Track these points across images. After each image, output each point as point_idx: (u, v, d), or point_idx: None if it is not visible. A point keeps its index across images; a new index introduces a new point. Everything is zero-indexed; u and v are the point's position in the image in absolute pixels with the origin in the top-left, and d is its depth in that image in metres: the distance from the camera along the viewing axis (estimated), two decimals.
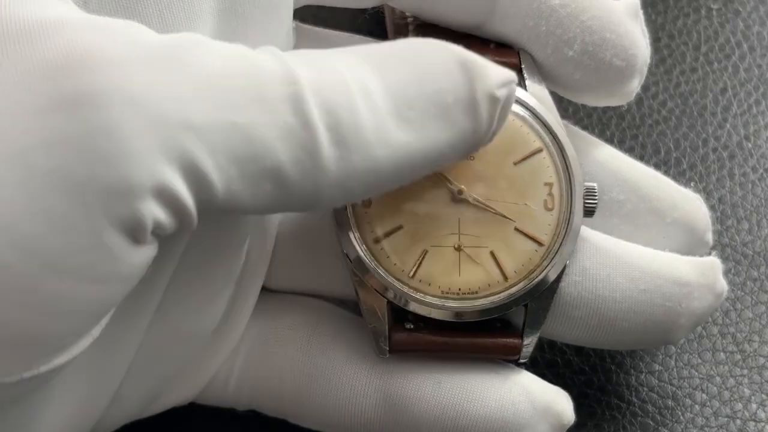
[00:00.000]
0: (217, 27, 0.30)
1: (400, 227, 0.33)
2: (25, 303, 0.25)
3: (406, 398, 0.33)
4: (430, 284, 0.33)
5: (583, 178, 0.34)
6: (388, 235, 0.33)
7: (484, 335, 0.33)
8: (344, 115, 0.27)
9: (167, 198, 0.26)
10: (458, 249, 0.33)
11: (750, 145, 0.43)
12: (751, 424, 0.37)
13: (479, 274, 0.33)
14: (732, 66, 0.44)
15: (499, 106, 0.29)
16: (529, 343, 0.33)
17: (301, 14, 0.36)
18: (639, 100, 0.43)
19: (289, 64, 0.27)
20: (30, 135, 0.24)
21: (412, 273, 0.33)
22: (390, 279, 0.33)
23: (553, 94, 0.34)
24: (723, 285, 0.35)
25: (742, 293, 0.40)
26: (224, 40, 0.28)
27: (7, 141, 0.24)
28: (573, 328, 0.34)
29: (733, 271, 0.40)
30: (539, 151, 0.33)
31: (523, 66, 0.34)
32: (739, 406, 0.37)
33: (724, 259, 0.40)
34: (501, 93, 0.29)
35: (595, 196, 0.33)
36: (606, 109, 0.43)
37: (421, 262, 0.33)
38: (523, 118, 0.33)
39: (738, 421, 0.37)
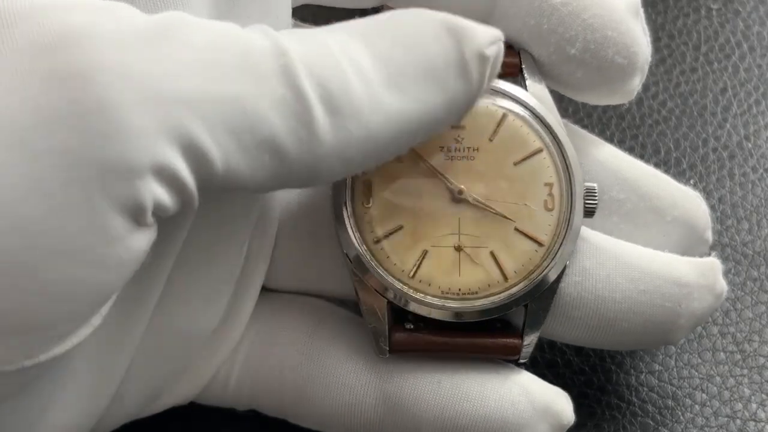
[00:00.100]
0: (210, 16, 0.30)
1: (400, 227, 0.33)
2: (24, 288, 0.25)
3: (405, 398, 0.33)
4: (430, 284, 0.33)
5: (584, 179, 0.33)
6: (388, 235, 0.33)
7: (484, 335, 0.33)
8: (335, 85, 0.27)
9: (167, 176, 0.26)
10: (458, 249, 0.33)
11: (750, 145, 0.43)
12: (751, 424, 0.37)
13: (479, 275, 0.33)
14: (732, 66, 0.44)
15: (489, 65, 0.29)
16: (529, 343, 0.33)
17: (301, 14, 0.35)
18: (639, 100, 0.43)
19: (278, 38, 0.27)
20: (25, 115, 0.24)
21: (412, 273, 0.33)
22: (390, 279, 0.33)
23: (553, 93, 0.34)
24: (723, 286, 0.35)
25: (742, 293, 0.40)
26: None
27: (2, 122, 0.24)
28: (573, 328, 0.34)
29: (733, 271, 0.40)
30: (539, 151, 0.33)
31: (523, 66, 0.34)
32: (739, 406, 0.37)
33: (724, 259, 0.40)
34: (490, 51, 0.29)
35: (596, 196, 0.33)
36: (606, 109, 0.43)
37: (421, 263, 0.33)
38: (523, 119, 0.33)
39: (738, 421, 0.37)
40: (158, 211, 0.26)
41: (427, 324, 0.33)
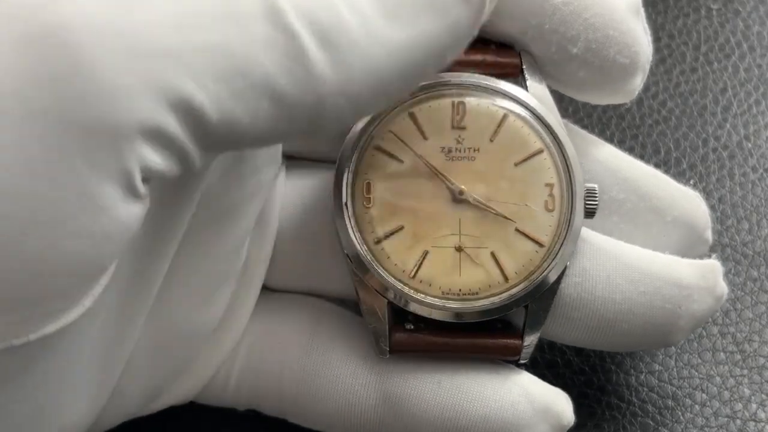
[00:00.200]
0: None
1: (400, 228, 0.33)
2: (5, 259, 0.24)
3: (405, 398, 0.33)
4: (430, 285, 0.33)
5: (584, 179, 0.33)
6: (388, 235, 0.33)
7: (484, 336, 0.33)
8: (326, 19, 0.26)
9: (156, 136, 0.25)
10: (459, 249, 0.33)
11: (750, 145, 0.43)
12: (751, 424, 0.37)
13: (480, 275, 0.33)
14: (732, 66, 0.44)
15: None
16: (530, 343, 0.33)
17: None
18: (639, 100, 0.43)
19: None
20: (1, 82, 0.24)
21: (412, 273, 0.33)
22: (390, 279, 0.33)
23: (553, 93, 0.34)
24: (723, 288, 0.35)
25: (742, 293, 0.40)
26: None
27: None
28: (572, 329, 0.34)
29: (733, 271, 0.40)
30: (540, 152, 0.33)
31: (524, 67, 0.34)
32: (739, 406, 0.37)
33: (724, 259, 0.40)
34: None
35: (596, 197, 0.33)
36: (606, 109, 0.43)
37: (421, 263, 0.33)
38: (524, 119, 0.33)
39: (738, 421, 0.37)
40: (152, 174, 0.25)
41: (427, 324, 0.33)
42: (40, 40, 0.24)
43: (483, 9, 0.29)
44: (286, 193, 0.35)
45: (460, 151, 0.33)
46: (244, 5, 0.26)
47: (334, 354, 0.34)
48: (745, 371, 0.38)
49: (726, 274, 0.36)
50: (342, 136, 0.33)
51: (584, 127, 0.41)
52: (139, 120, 0.24)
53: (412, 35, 0.27)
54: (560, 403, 0.34)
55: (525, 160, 0.33)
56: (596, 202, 0.33)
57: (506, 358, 0.34)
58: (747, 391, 0.38)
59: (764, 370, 0.38)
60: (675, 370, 0.38)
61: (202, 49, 0.25)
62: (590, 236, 0.34)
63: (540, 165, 0.33)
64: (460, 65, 0.33)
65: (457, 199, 0.33)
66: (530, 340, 0.33)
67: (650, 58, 0.34)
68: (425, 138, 0.33)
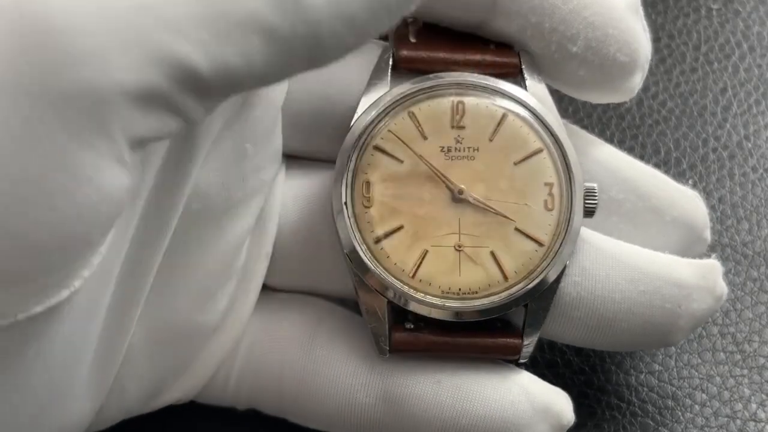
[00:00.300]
0: None
1: (400, 227, 0.33)
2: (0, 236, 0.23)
3: (405, 398, 0.33)
4: (430, 284, 0.33)
5: (584, 179, 0.34)
6: (388, 235, 0.33)
7: (484, 335, 0.33)
8: None
9: (141, 97, 0.24)
10: (458, 249, 0.33)
11: (750, 145, 0.43)
12: (751, 424, 0.37)
13: (479, 274, 0.33)
14: (732, 66, 0.44)
15: None
16: (529, 343, 0.33)
17: None
18: (639, 100, 0.43)
19: None
20: None
21: (412, 273, 0.33)
22: (390, 279, 0.33)
23: (553, 93, 0.34)
24: (723, 288, 0.35)
25: (742, 293, 0.40)
26: None
27: None
28: (572, 328, 0.34)
29: (733, 271, 0.40)
30: (539, 151, 0.33)
31: (523, 66, 0.34)
32: (739, 406, 0.37)
33: (724, 259, 0.40)
34: None
35: (596, 196, 0.33)
36: (606, 109, 0.43)
37: (421, 262, 0.33)
38: (523, 119, 0.33)
39: (738, 421, 0.37)
40: (145, 139, 0.24)
41: (427, 324, 0.33)
42: (7, 14, 0.23)
43: None
44: (286, 192, 0.35)
45: (459, 150, 0.33)
46: None
47: (335, 354, 0.34)
48: (745, 371, 0.38)
49: (726, 274, 0.36)
50: (342, 135, 0.33)
51: (584, 127, 0.41)
52: (119, 82, 0.23)
53: None
54: (560, 402, 0.34)
55: (524, 159, 0.33)
56: (596, 202, 0.33)
57: (506, 358, 0.34)
58: (747, 391, 0.38)
59: (764, 370, 0.38)
60: (675, 370, 0.38)
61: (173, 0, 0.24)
62: (590, 236, 0.34)
63: (539, 164, 0.33)
64: (459, 65, 0.34)
65: (457, 198, 0.33)
66: (530, 339, 0.33)
67: (649, 56, 0.34)
68: (425, 137, 0.33)
